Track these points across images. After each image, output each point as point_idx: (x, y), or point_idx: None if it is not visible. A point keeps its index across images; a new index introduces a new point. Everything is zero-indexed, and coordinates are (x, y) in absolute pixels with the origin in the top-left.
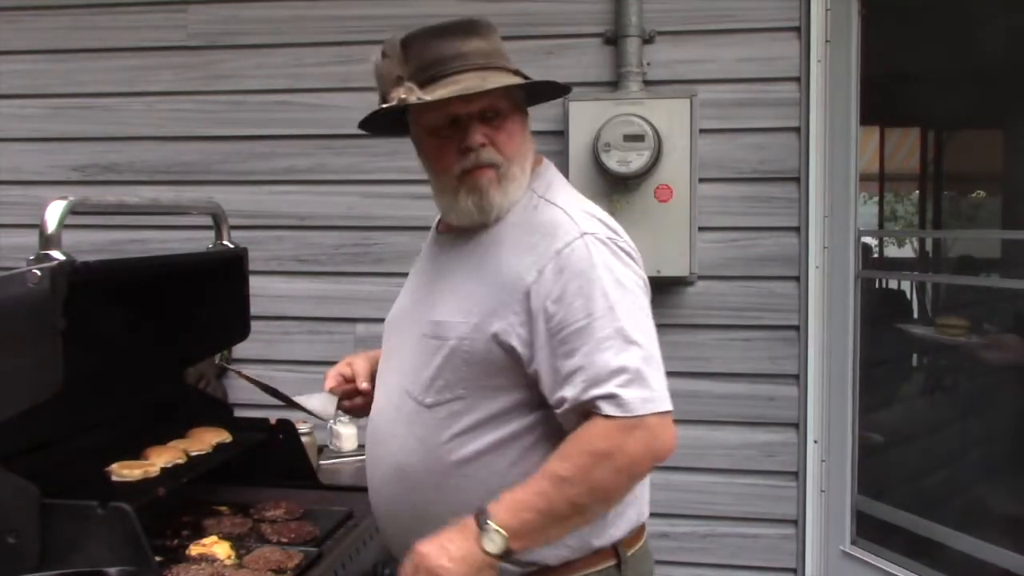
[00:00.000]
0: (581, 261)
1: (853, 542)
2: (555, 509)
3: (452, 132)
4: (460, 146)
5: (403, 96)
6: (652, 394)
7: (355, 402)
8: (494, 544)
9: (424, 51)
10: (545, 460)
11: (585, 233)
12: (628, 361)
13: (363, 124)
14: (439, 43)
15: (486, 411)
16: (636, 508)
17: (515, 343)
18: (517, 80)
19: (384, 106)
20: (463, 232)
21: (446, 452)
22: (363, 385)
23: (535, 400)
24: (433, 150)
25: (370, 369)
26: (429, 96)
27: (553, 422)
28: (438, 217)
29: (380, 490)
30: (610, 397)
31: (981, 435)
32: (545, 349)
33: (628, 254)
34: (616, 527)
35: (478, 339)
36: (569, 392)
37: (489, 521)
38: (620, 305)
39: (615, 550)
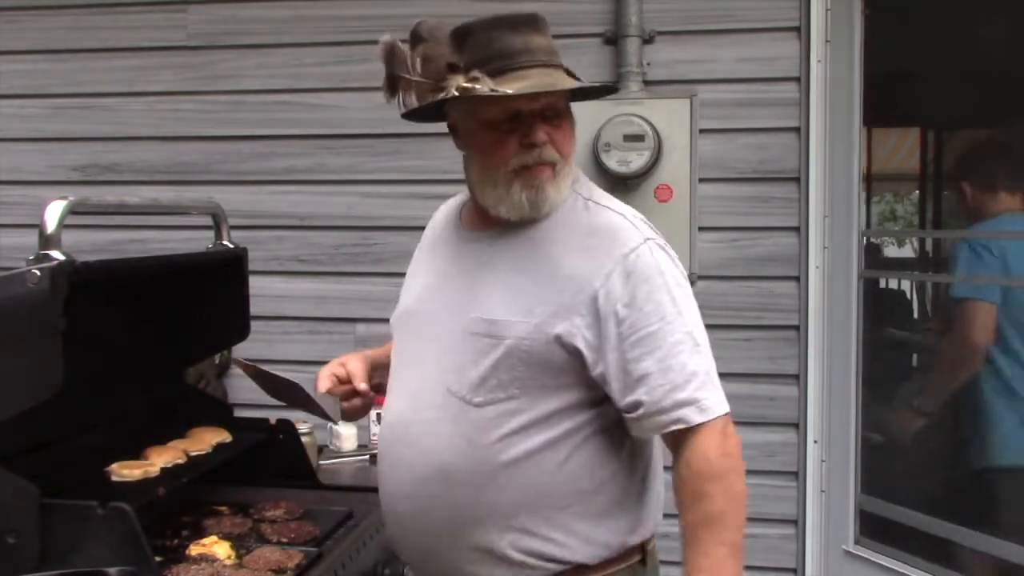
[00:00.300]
0: (648, 267)
1: (857, 541)
2: (736, 542)
3: (512, 127)
4: (523, 141)
5: (469, 85)
6: (721, 395)
7: (353, 403)
8: None
9: (490, 42)
10: (594, 458)
11: (648, 239)
12: (700, 365)
13: (409, 111)
14: (506, 35)
15: (539, 411)
16: (658, 505)
17: (580, 345)
18: (581, 82)
19: (451, 94)
20: (505, 227)
21: (495, 452)
22: (362, 386)
23: (589, 400)
24: (490, 143)
25: (366, 370)
26: (508, 89)
27: (603, 421)
28: (455, 210)
29: (413, 492)
30: (693, 402)
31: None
32: (615, 352)
33: (677, 259)
34: (645, 525)
35: (538, 339)
36: (646, 396)
37: None
38: (686, 309)
39: (642, 546)
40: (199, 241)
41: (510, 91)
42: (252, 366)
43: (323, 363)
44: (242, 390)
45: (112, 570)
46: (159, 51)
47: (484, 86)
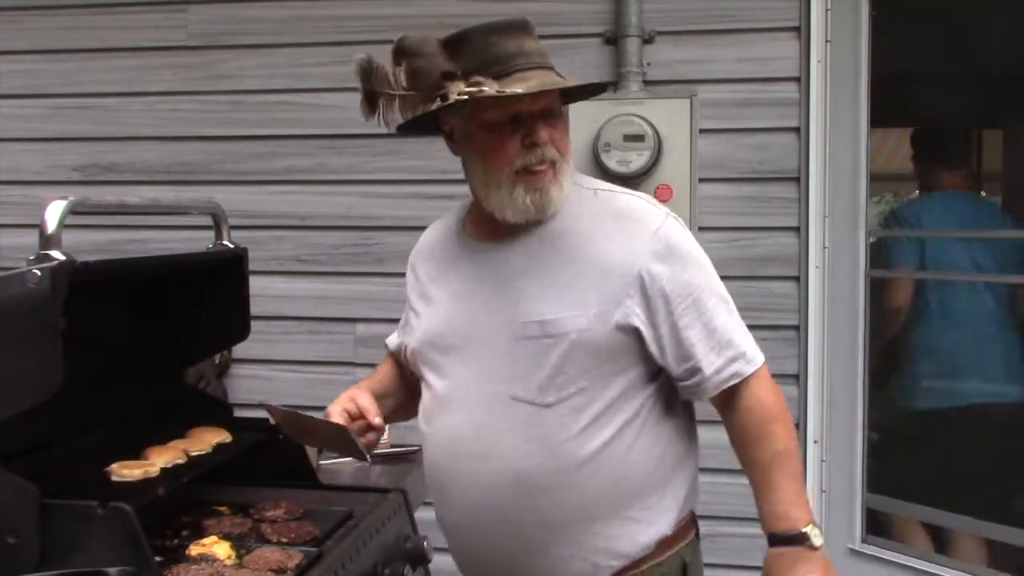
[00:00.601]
0: (677, 240)
1: (864, 540)
2: (801, 474)
3: (513, 128)
4: (525, 142)
5: (475, 89)
6: (755, 344)
7: (369, 438)
8: (819, 538)
9: (486, 47)
10: (652, 434)
11: (668, 215)
12: (736, 321)
13: (404, 124)
14: (499, 40)
15: (606, 399)
16: (698, 462)
17: (638, 324)
18: (571, 80)
19: (452, 100)
20: (515, 231)
21: (573, 449)
22: (376, 420)
23: (646, 377)
24: (492, 145)
25: (375, 402)
26: (519, 88)
27: (657, 395)
28: (452, 226)
29: (486, 505)
30: (740, 356)
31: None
32: (666, 326)
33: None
34: (696, 496)
35: (599, 328)
36: (701, 361)
37: (803, 530)
38: (711, 273)
39: (693, 518)
40: (199, 241)
41: (519, 91)
42: (282, 410)
43: (323, 363)
44: (242, 390)
45: (112, 570)
46: (159, 51)
47: (491, 88)
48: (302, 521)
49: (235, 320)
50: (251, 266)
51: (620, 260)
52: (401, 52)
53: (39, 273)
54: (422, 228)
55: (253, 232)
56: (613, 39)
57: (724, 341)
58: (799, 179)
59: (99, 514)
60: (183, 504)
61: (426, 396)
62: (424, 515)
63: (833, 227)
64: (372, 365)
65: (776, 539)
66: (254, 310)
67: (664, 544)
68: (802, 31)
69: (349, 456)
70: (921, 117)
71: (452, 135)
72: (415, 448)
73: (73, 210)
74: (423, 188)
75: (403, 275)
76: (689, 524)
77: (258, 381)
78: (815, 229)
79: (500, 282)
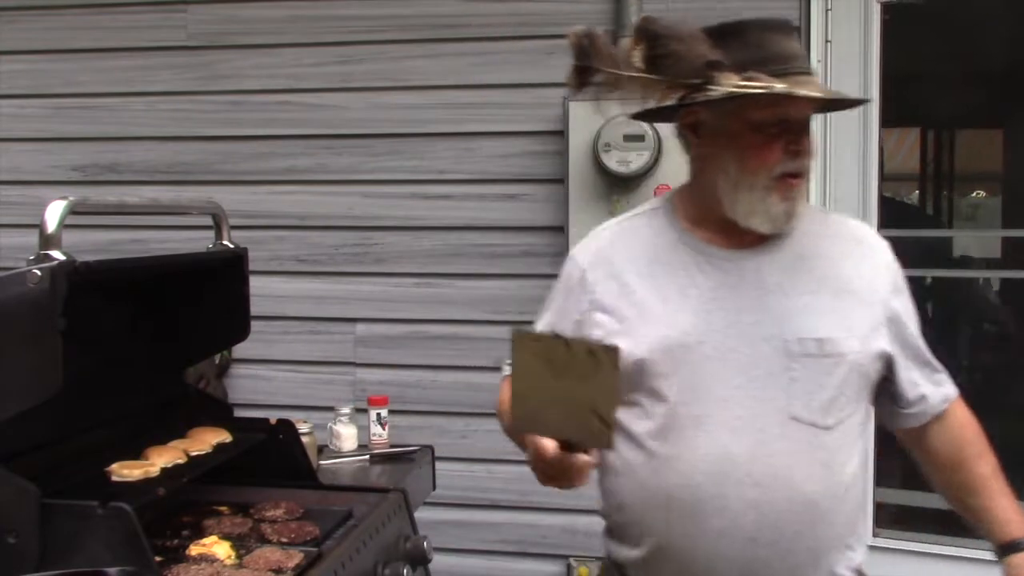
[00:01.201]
0: (898, 269)
1: (875, 534)
2: None
3: (778, 132)
4: (789, 148)
5: (760, 85)
6: None
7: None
8: None
9: (761, 43)
10: (864, 455)
11: (885, 238)
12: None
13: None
14: (776, 38)
15: (858, 423)
16: None
17: (892, 350)
18: (849, 94)
19: (734, 90)
20: (758, 242)
21: (842, 471)
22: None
23: (868, 402)
24: (755, 146)
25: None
26: (801, 91)
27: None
28: (665, 227)
29: (759, 535)
30: (946, 377)
31: None
32: (904, 351)
33: None
34: None
35: (865, 351)
36: (927, 387)
37: None
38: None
39: None
40: (199, 241)
41: (814, 93)
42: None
43: (323, 363)
44: (242, 390)
45: (112, 570)
46: (159, 51)
47: (779, 86)
48: (302, 521)
49: (235, 320)
50: (251, 266)
51: (869, 287)
52: (647, 33)
53: (39, 273)
54: (422, 228)
55: (253, 232)
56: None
57: (932, 364)
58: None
59: (99, 514)
60: (183, 504)
61: (653, 410)
62: (424, 515)
63: None
64: (372, 365)
65: (1016, 545)
66: (254, 310)
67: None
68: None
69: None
70: (925, 117)
71: (697, 128)
72: (415, 448)
73: (73, 210)
74: (423, 188)
75: (403, 275)
76: None
77: (258, 381)
78: None
79: (754, 294)
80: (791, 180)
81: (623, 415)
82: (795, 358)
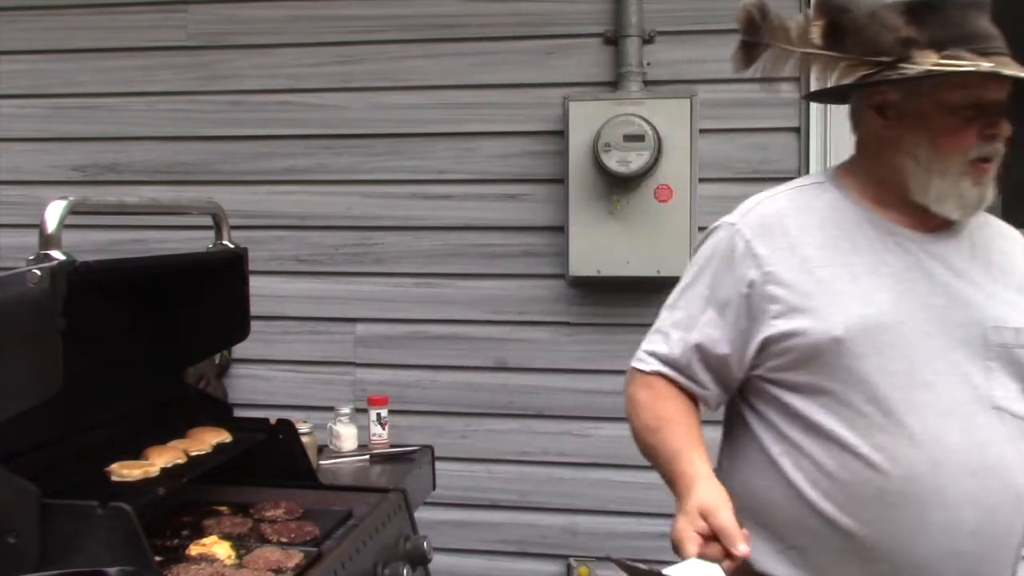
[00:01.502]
0: None
1: None
2: None
3: (973, 115)
4: (984, 132)
5: (967, 64)
6: None
7: (726, 566)
8: None
9: (964, 20)
10: None
11: None
12: None
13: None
14: (977, 15)
15: None
16: None
17: None
18: None
19: (934, 68)
20: (945, 226)
21: None
22: (742, 549)
23: None
24: (950, 129)
25: (733, 513)
26: (1013, 71)
27: None
28: (837, 195)
29: (977, 529)
30: None
31: None
32: None
33: None
34: None
35: None
36: None
37: None
38: None
39: None
40: (199, 241)
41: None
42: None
43: (323, 363)
44: (242, 390)
45: (112, 570)
46: (159, 51)
47: (986, 65)
48: (302, 521)
49: (235, 320)
50: (251, 266)
51: None
52: (830, 6)
53: (39, 273)
54: (422, 228)
55: (253, 232)
56: (613, 39)
57: None
58: None
59: (99, 514)
60: (183, 504)
61: (849, 397)
62: (424, 515)
63: None
64: (372, 365)
65: None
66: (254, 310)
67: None
68: None
69: None
70: None
71: (884, 109)
72: (415, 448)
73: (73, 210)
74: (423, 188)
75: (403, 275)
76: None
77: (258, 381)
78: None
79: (939, 279)
80: (983, 165)
81: (803, 407)
82: (991, 347)
